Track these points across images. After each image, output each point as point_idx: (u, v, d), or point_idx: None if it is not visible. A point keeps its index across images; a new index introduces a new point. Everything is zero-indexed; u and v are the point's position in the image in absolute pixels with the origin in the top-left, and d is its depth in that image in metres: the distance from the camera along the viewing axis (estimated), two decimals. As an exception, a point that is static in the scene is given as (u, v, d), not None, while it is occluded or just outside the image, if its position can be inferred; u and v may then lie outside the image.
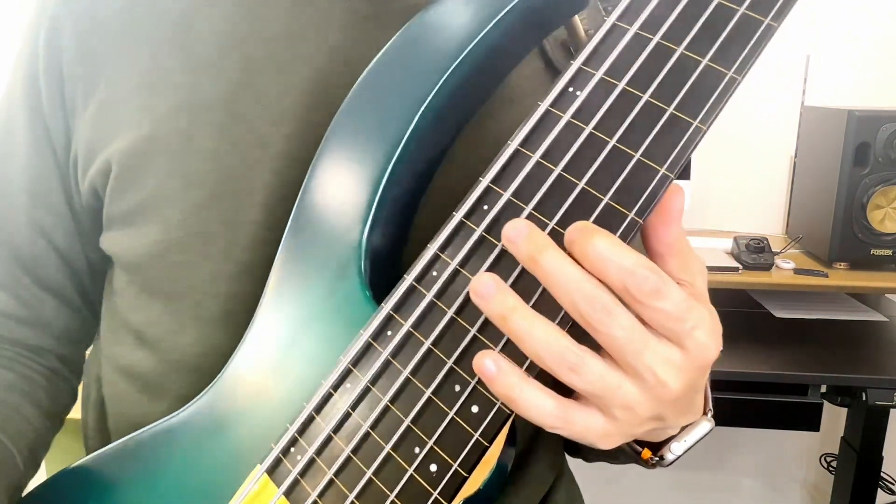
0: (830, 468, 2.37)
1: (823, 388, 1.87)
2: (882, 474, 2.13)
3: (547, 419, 0.42)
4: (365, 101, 0.55)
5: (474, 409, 0.45)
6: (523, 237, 0.41)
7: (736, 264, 2.02)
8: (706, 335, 0.42)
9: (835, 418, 2.31)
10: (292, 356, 0.54)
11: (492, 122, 0.60)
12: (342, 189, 0.55)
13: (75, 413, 0.79)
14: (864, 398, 1.75)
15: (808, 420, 1.93)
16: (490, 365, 0.42)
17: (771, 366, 1.77)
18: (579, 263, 0.41)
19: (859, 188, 1.93)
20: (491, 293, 0.42)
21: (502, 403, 0.44)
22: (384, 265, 0.56)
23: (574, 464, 0.77)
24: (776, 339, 1.92)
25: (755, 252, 2.03)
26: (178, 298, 0.63)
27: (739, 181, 2.30)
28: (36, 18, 0.67)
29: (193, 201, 0.61)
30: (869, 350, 1.87)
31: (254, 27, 0.62)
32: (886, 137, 1.90)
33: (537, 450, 0.70)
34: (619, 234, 0.43)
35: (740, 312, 2.07)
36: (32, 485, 0.64)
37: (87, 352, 0.79)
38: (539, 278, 0.42)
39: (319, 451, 0.50)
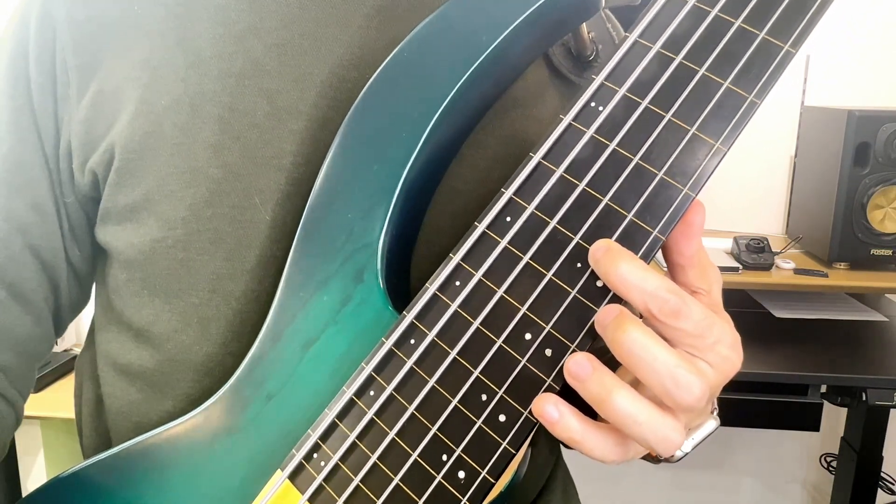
0: (830, 468, 2.37)
1: (823, 388, 1.87)
2: (882, 474, 2.14)
3: (609, 456, 0.45)
4: (381, 99, 0.55)
5: (501, 417, 0.46)
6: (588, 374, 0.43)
7: (736, 264, 2.02)
8: (727, 348, 0.44)
9: (835, 418, 2.32)
10: (309, 360, 0.54)
11: (498, 123, 0.61)
12: (358, 189, 0.55)
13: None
14: (864, 398, 1.76)
15: (808, 420, 1.93)
16: (552, 411, 0.44)
17: (771, 366, 1.77)
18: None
19: (859, 188, 1.93)
20: (587, 374, 0.43)
21: (529, 413, 0.45)
22: (396, 267, 0.56)
23: (575, 463, 0.78)
24: (776, 339, 1.92)
25: (755, 252, 2.03)
26: (181, 296, 0.62)
27: (739, 181, 2.30)
28: (26, 2, 0.64)
29: (196, 198, 0.60)
30: (869, 350, 1.87)
31: (256, 20, 0.61)
32: (886, 137, 1.90)
33: (536, 444, 0.70)
34: (642, 250, 0.44)
35: (740, 312, 2.07)
36: (32, 487, 0.62)
37: (77, 350, 0.73)
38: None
39: (344, 458, 0.50)
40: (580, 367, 0.43)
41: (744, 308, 2.11)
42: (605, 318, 0.43)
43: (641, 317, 0.44)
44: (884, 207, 1.95)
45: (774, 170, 2.35)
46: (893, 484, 2.29)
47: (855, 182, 1.94)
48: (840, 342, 1.91)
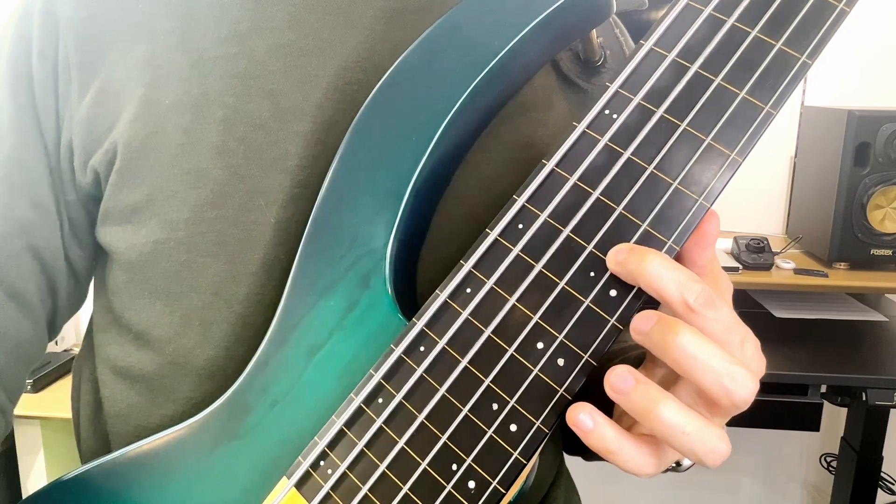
0: (830, 468, 2.38)
1: (823, 388, 1.87)
2: (882, 474, 2.14)
3: (645, 469, 0.44)
4: (389, 103, 0.55)
5: (513, 427, 0.46)
6: (631, 388, 0.42)
7: (736, 264, 2.02)
8: (753, 349, 0.44)
9: (835, 418, 2.33)
10: (315, 367, 0.54)
11: (505, 128, 0.61)
12: (365, 194, 0.54)
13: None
14: (864, 398, 1.76)
15: (808, 420, 1.94)
16: (586, 420, 0.43)
17: (771, 366, 1.73)
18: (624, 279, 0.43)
19: (859, 188, 1.94)
20: (631, 387, 0.42)
21: (541, 423, 0.45)
22: (403, 272, 0.55)
23: (574, 463, 0.77)
24: (776, 339, 1.91)
25: (755, 252, 2.03)
26: (182, 299, 0.61)
27: (739, 181, 2.27)
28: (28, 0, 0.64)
29: (200, 199, 0.59)
30: (869, 350, 1.87)
31: (260, 20, 0.60)
32: (886, 137, 1.90)
33: (542, 450, 0.69)
34: None
35: (740, 312, 2.03)
36: (32, 487, 0.62)
37: (77, 350, 0.72)
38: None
39: (352, 466, 0.50)
40: (623, 379, 0.42)
41: (744, 308, 2.10)
42: (646, 324, 0.42)
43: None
44: (884, 207, 1.95)
45: (774, 170, 2.36)
46: (893, 484, 2.29)
47: (855, 182, 1.94)
48: (840, 342, 1.91)
